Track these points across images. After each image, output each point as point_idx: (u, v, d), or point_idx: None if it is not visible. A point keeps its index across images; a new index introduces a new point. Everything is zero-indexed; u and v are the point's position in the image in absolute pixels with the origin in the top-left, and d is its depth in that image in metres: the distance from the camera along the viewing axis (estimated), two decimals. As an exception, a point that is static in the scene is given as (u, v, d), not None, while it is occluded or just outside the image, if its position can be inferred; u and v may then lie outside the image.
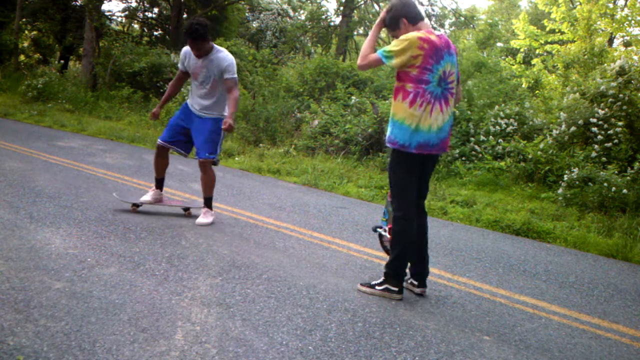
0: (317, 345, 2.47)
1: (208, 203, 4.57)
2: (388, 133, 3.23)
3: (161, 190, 4.73)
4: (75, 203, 4.58)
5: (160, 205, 4.73)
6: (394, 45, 3.09)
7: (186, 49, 4.43)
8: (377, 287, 3.28)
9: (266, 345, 2.41)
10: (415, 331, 2.79)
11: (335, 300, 3.08)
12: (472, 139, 8.97)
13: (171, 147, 4.59)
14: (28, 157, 6.63)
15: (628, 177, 7.11)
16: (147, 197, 4.67)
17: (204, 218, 4.50)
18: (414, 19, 3.18)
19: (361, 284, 3.35)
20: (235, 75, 4.38)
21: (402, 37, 3.10)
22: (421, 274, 3.39)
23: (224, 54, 4.38)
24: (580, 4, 14.50)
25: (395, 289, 3.24)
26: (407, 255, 3.25)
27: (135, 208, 4.59)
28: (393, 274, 3.24)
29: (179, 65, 4.55)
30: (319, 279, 3.41)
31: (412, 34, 3.08)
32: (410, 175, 3.23)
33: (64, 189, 5.06)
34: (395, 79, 3.24)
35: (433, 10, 24.04)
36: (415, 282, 3.40)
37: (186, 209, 4.78)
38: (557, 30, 15.45)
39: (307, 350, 2.42)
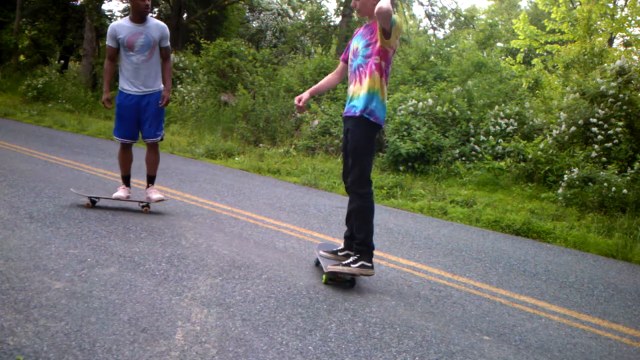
0: (317, 345, 2.47)
1: (153, 180, 4.83)
2: (371, 107, 3.20)
3: (129, 186, 4.82)
4: (75, 203, 4.59)
5: (119, 200, 4.72)
6: (397, 19, 3.09)
7: (114, 24, 4.48)
8: (352, 265, 3.29)
9: (266, 345, 2.41)
10: (415, 331, 2.79)
11: (335, 300, 3.08)
12: (472, 139, 8.97)
13: (135, 142, 4.75)
14: (28, 157, 6.63)
15: (628, 177, 7.12)
16: (122, 193, 4.69)
17: (157, 194, 4.69)
18: None
19: (332, 265, 3.34)
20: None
21: (396, 19, 3.08)
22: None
23: (157, 20, 4.56)
24: (580, 4, 14.53)
25: (370, 264, 3.31)
26: (373, 228, 3.36)
27: (91, 204, 4.56)
28: (366, 250, 3.31)
29: (110, 43, 4.50)
30: (319, 279, 3.41)
31: (401, 20, 3.18)
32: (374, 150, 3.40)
33: (64, 189, 5.06)
34: (374, 54, 3.20)
35: (433, 10, 24.04)
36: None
37: (144, 205, 4.69)
38: (557, 30, 15.48)
39: (307, 350, 2.42)
